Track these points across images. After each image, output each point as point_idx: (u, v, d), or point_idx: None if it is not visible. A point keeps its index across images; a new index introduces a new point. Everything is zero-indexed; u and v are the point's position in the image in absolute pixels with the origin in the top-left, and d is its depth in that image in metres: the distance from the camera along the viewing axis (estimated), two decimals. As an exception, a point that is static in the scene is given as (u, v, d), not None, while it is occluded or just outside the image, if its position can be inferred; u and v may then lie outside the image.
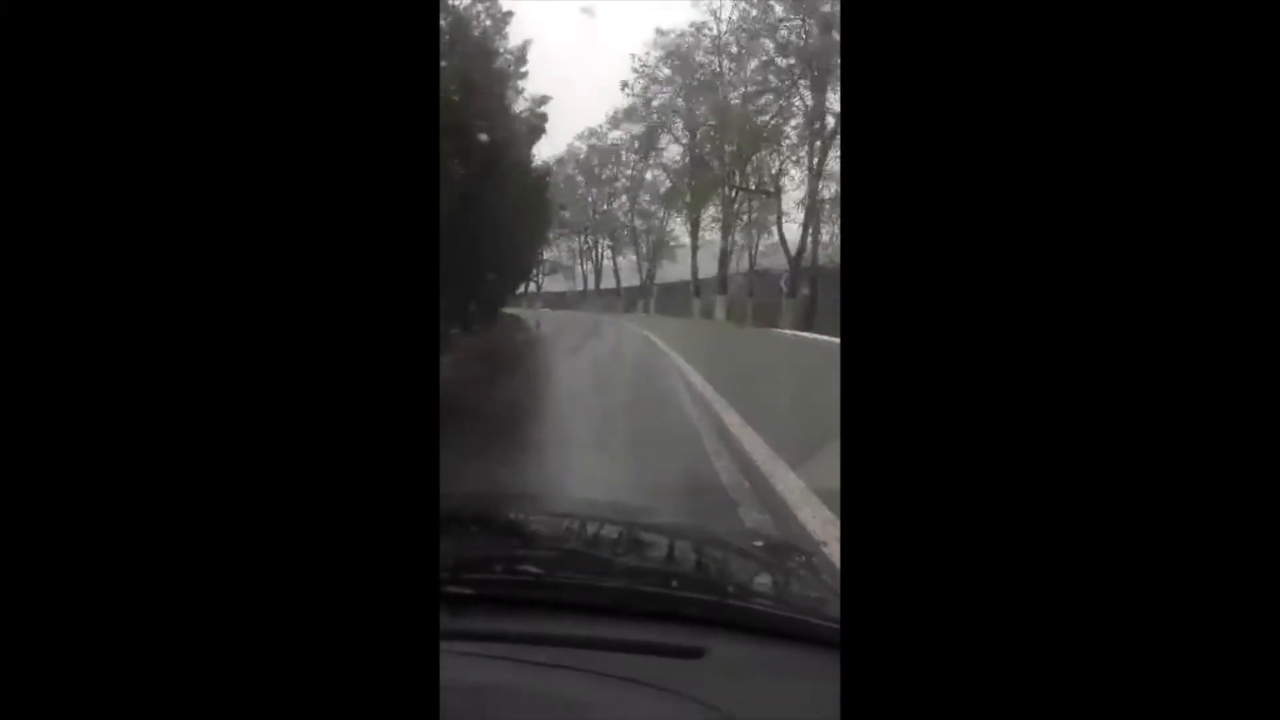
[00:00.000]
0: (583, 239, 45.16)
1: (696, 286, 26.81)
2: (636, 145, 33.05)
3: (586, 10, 52.86)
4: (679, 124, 28.86)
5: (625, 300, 37.55)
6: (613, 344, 14.13)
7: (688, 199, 27.82)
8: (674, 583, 0.83)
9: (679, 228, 32.67)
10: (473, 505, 1.29)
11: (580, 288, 46.08)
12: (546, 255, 45.44)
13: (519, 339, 16.33)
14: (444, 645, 0.60)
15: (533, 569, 0.82)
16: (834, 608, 0.73)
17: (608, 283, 42.26)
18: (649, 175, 36.03)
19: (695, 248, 28.08)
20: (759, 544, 1.26)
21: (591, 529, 1.21)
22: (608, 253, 43.25)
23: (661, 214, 36.04)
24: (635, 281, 38.17)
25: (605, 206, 41.60)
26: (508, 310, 24.33)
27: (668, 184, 32.93)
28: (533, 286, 46.41)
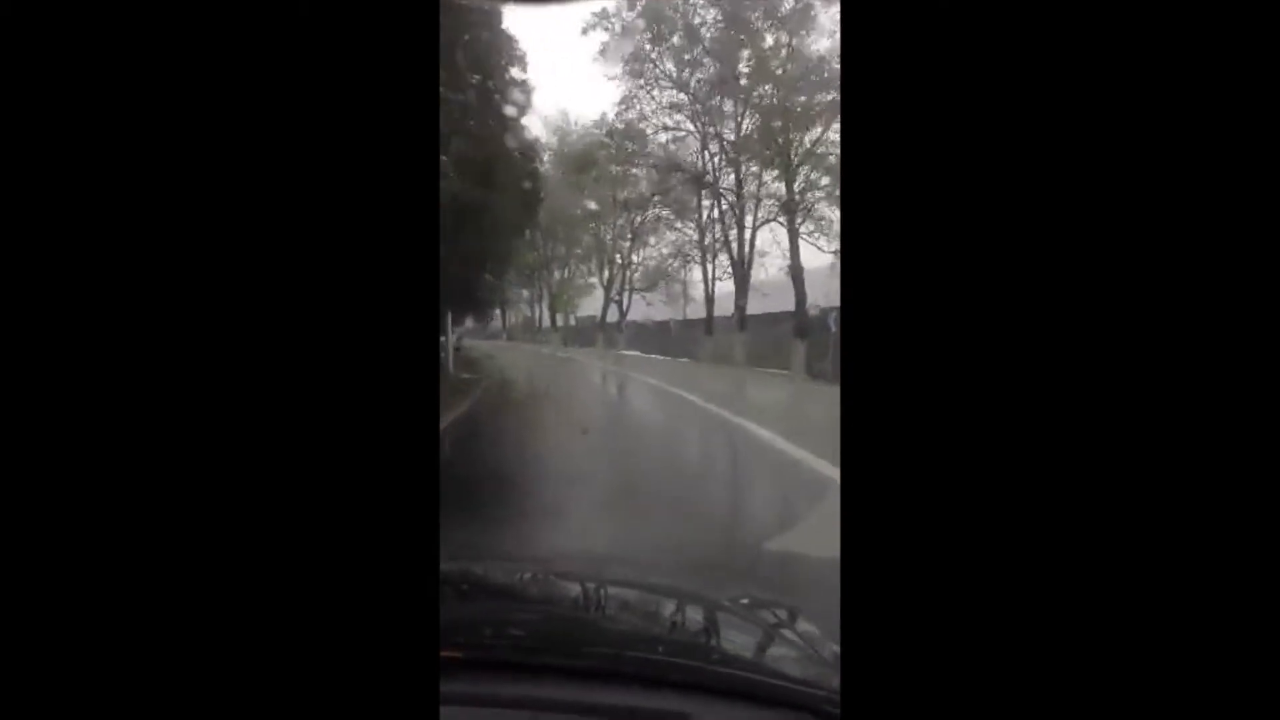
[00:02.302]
0: (711, 212, 20.95)
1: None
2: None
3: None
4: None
5: (821, 346, 15.82)
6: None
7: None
8: (660, 648, 0.87)
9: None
10: (464, 567, 1.28)
11: (682, 315, 26.68)
12: (635, 257, 26.54)
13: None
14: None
15: (519, 633, 0.90)
16: (816, 671, 0.78)
17: (762, 306, 18.62)
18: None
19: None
20: (745, 601, 1.22)
21: (579, 591, 1.25)
22: (767, 231, 19.31)
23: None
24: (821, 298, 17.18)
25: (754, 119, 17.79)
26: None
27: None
28: (612, 314, 27.46)
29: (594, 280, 35.93)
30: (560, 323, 38.44)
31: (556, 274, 37.82)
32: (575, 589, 1.27)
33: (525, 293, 46.76)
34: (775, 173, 18.07)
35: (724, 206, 20.01)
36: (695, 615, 1.15)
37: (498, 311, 59.22)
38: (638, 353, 25.61)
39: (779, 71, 17.46)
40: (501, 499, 4.71)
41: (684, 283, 27.85)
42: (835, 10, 15.60)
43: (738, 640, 1.04)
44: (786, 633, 1.09)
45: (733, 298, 19.55)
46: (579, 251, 36.19)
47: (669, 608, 1.17)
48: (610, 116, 20.39)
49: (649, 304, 29.93)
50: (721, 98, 18.44)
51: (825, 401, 9.00)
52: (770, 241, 18.71)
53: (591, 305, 36.21)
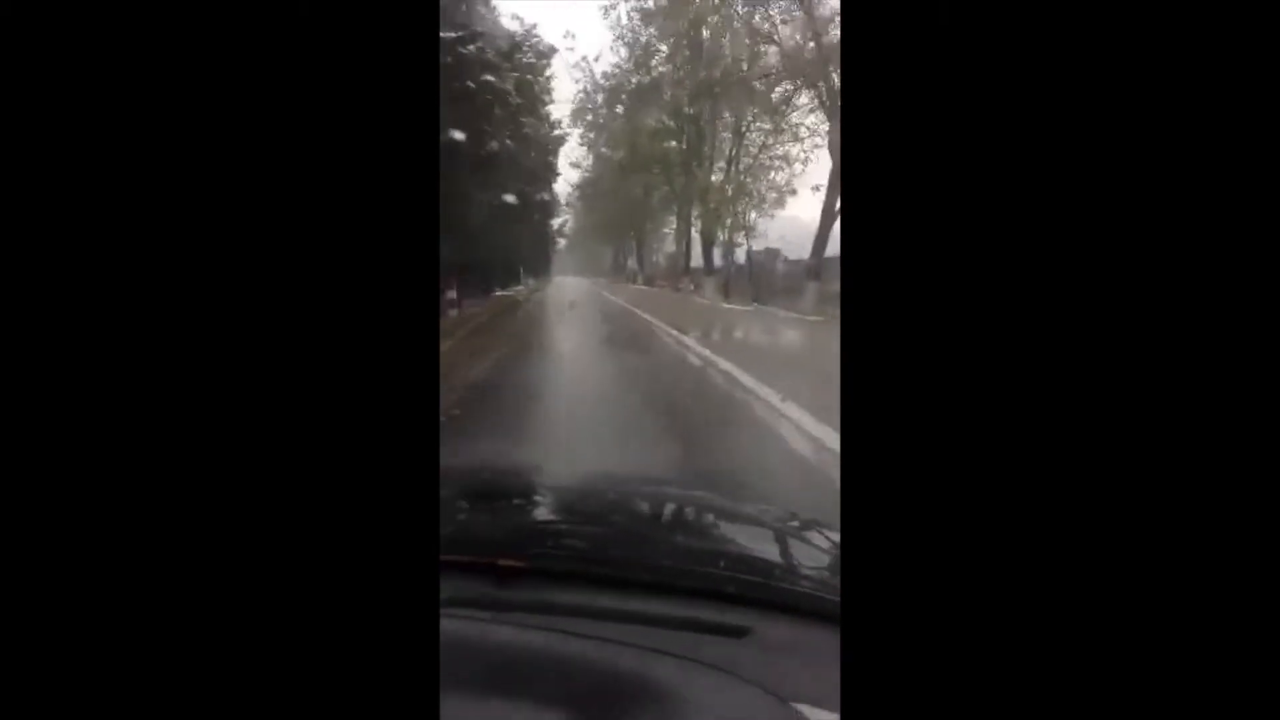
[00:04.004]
0: None
1: None
2: None
3: None
4: None
5: None
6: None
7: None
8: (721, 563, 0.87)
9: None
10: (514, 479, 1.39)
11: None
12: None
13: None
14: (493, 615, 0.73)
15: (580, 544, 0.92)
16: None
17: None
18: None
19: None
20: (795, 523, 1.18)
21: (640, 506, 1.26)
22: None
23: None
24: None
25: None
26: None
27: None
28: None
29: (790, 172, 20.27)
30: (719, 260, 22.98)
31: (717, 173, 22.34)
32: (638, 504, 1.26)
33: (671, 221, 31.84)
34: None
35: None
36: (753, 534, 1.14)
37: (633, 247, 44.91)
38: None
39: None
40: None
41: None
42: None
43: (792, 556, 1.03)
44: (833, 549, 1.05)
45: None
46: (756, 126, 20.60)
47: (731, 526, 1.17)
48: None
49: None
50: None
51: None
52: None
53: (780, 227, 20.66)
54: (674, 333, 10.60)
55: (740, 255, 21.86)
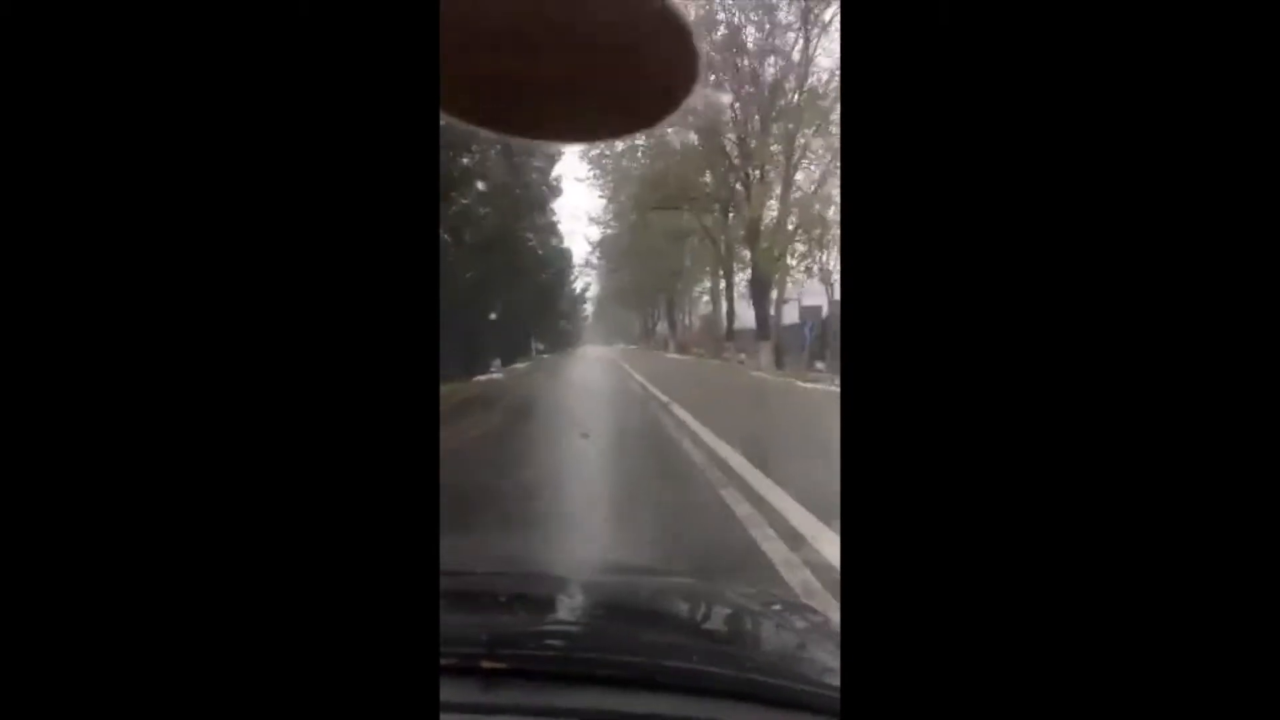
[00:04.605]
0: None
1: None
2: None
3: None
4: None
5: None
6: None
7: None
8: (694, 657, 0.92)
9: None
10: (504, 579, 1.39)
11: None
12: None
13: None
14: (477, 719, 0.76)
15: (560, 644, 0.95)
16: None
17: None
18: None
19: None
20: (777, 607, 1.27)
21: (619, 598, 1.30)
22: None
23: None
24: None
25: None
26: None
27: None
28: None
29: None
30: (773, 314, 18.09)
31: (772, 210, 17.56)
32: (618, 597, 1.30)
33: (704, 279, 27.47)
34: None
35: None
36: (732, 622, 1.19)
37: (663, 311, 40.39)
38: None
39: None
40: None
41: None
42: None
43: (774, 646, 1.06)
44: (816, 634, 1.11)
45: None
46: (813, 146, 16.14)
47: (706, 615, 1.23)
48: None
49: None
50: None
51: None
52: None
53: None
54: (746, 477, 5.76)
55: (793, 311, 17.10)
